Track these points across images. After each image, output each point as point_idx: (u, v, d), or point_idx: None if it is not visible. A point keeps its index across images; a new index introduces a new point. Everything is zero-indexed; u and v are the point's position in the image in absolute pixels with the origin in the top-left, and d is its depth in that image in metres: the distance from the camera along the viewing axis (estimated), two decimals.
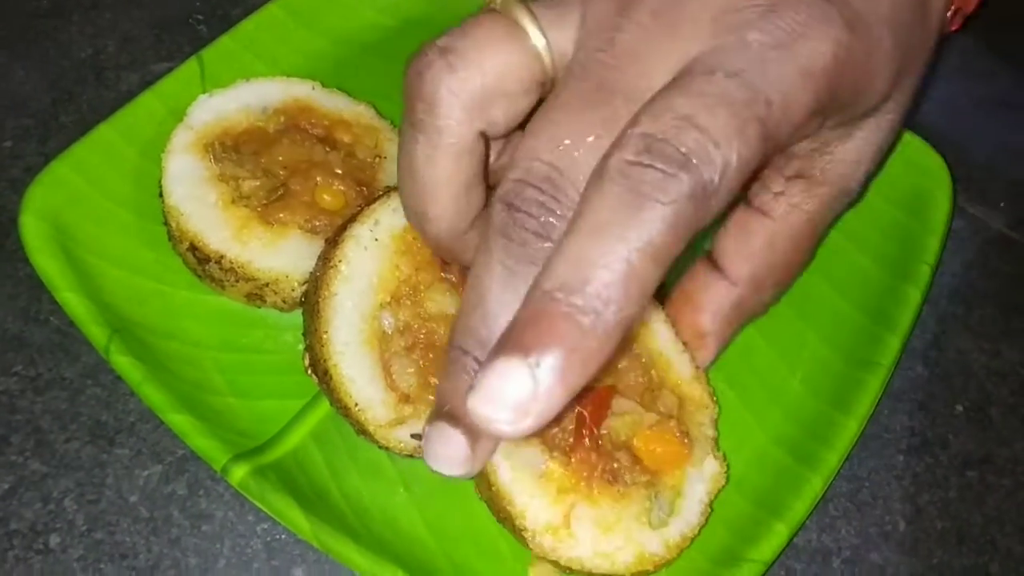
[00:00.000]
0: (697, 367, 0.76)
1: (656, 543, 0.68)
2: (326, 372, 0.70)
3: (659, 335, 0.75)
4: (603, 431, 0.70)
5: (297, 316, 0.78)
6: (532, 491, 0.66)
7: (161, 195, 0.78)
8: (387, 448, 0.71)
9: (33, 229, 0.75)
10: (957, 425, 0.84)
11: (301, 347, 0.77)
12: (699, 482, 0.71)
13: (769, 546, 0.70)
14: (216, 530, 0.72)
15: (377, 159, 0.83)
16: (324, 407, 0.75)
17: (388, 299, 0.72)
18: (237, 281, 0.77)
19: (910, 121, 0.92)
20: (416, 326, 0.72)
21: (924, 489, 0.81)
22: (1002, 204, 0.99)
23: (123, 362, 0.70)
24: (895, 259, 0.87)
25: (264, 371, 0.77)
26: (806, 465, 0.74)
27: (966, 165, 1.00)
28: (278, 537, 0.72)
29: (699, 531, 0.71)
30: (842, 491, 0.80)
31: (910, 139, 0.91)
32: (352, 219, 0.73)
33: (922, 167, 0.90)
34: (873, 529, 0.78)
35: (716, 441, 0.74)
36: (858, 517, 0.79)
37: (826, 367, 0.82)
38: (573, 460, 0.67)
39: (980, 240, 0.96)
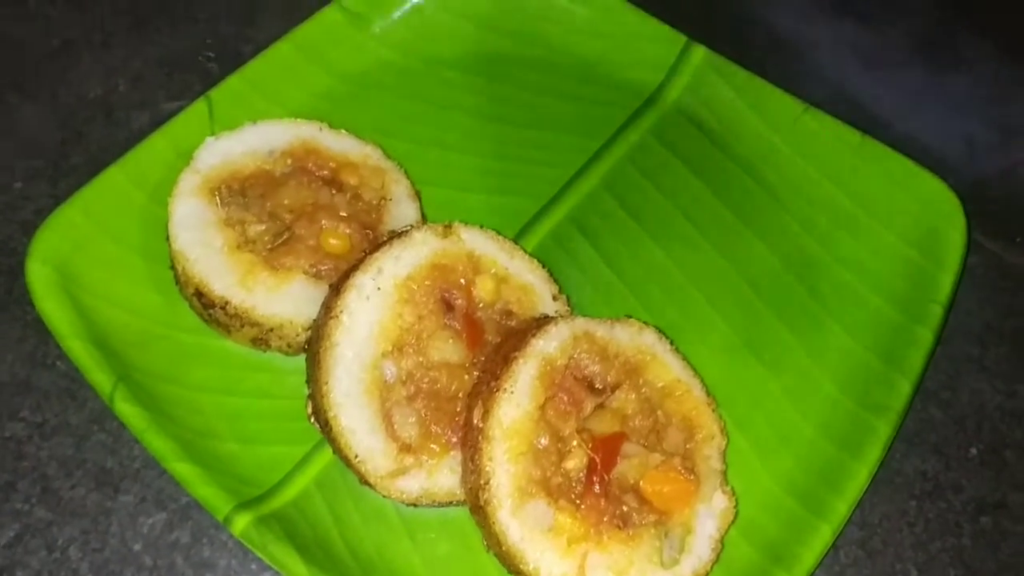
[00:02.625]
0: (709, 394, 0.75)
1: None
2: (327, 423, 0.69)
3: (671, 365, 0.75)
4: (611, 476, 0.69)
5: (302, 360, 0.78)
6: (543, 546, 0.66)
7: (168, 238, 0.79)
8: (389, 498, 0.71)
9: (39, 275, 0.75)
10: (971, 469, 0.83)
11: (306, 391, 0.77)
12: (709, 518, 0.71)
13: None
14: None
15: (383, 201, 0.83)
16: (328, 453, 0.74)
17: (390, 348, 0.71)
18: (242, 326, 0.77)
19: (925, 156, 0.91)
20: (419, 375, 0.72)
21: (936, 536, 0.79)
22: (1018, 239, 0.97)
23: (127, 410, 0.71)
24: (907, 298, 0.85)
25: (268, 416, 0.77)
26: (815, 513, 0.73)
27: (983, 199, 0.98)
28: None
29: (711, 567, 0.70)
30: (853, 538, 0.78)
31: (923, 175, 0.90)
32: (355, 267, 0.73)
33: (935, 204, 0.88)
34: None
35: (724, 475, 0.73)
36: (869, 565, 0.77)
37: (837, 410, 0.80)
38: (582, 507, 0.67)
39: (997, 276, 0.95)
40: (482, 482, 0.66)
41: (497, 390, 0.67)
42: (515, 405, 0.67)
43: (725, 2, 1.16)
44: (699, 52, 1.00)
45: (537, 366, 0.69)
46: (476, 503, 0.67)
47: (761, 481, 0.77)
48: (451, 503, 0.72)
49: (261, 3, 1.07)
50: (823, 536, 0.72)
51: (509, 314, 0.77)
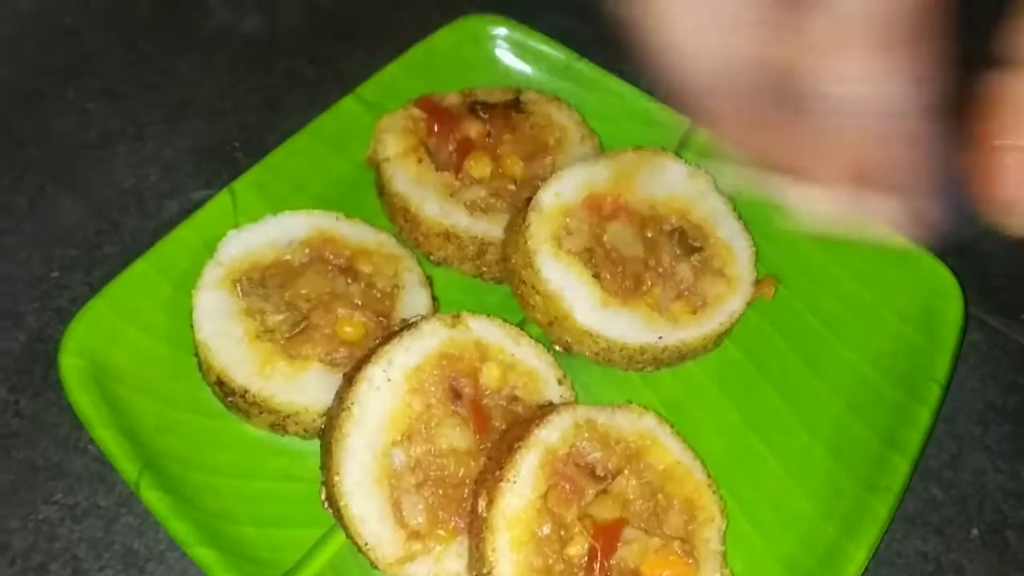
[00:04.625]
0: (709, 476, 0.77)
1: None
2: (338, 510, 0.73)
3: (671, 448, 0.77)
4: (612, 562, 0.71)
5: (318, 443, 0.81)
6: None
7: (192, 328, 0.83)
8: None
9: (71, 368, 0.80)
10: (972, 550, 0.84)
11: (320, 477, 0.80)
12: None
13: None
14: None
15: (395, 289, 0.87)
16: (342, 536, 0.77)
17: (399, 436, 0.75)
18: (260, 413, 0.81)
19: (927, 233, 0.93)
20: (427, 462, 0.75)
21: None
22: (1022, 316, 0.98)
23: (152, 496, 0.74)
24: (906, 376, 0.87)
25: (284, 500, 0.80)
26: None
27: (987, 276, 1.00)
28: None
29: None
30: None
31: (920, 254, 0.92)
32: (366, 359, 0.77)
33: (932, 283, 0.91)
34: None
35: (724, 556, 0.75)
36: None
37: (838, 489, 0.82)
38: None
39: (1000, 353, 0.96)
40: (485, 571, 0.68)
41: (501, 480, 0.70)
42: (518, 495, 0.70)
43: None
44: (702, 134, 1.03)
45: (539, 456, 0.72)
46: None
47: (764, 562, 0.79)
48: None
49: (286, 94, 1.12)
50: None
51: (515, 399, 0.80)
